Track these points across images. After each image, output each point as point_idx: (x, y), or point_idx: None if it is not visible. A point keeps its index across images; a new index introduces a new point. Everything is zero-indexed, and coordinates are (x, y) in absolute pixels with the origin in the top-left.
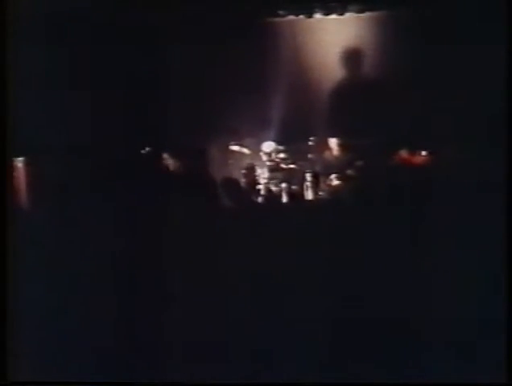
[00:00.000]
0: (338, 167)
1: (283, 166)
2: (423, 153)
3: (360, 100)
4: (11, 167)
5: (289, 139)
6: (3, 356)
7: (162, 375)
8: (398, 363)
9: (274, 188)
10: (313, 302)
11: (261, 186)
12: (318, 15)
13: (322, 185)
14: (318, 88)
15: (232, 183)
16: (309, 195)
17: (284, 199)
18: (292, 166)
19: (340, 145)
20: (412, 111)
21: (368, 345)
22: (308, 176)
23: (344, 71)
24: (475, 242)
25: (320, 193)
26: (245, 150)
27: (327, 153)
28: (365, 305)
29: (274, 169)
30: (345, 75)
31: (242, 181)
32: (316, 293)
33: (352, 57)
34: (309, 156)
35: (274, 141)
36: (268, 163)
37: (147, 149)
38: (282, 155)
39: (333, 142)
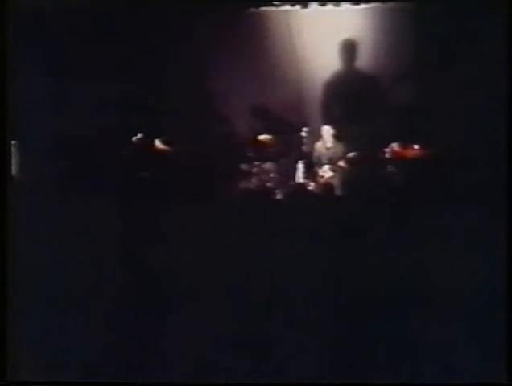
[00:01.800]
0: (332, 158)
1: (276, 156)
2: (419, 146)
3: (356, 91)
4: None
5: (283, 130)
6: (2, 356)
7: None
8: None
9: (267, 179)
10: (312, 298)
11: (256, 178)
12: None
13: (316, 176)
14: (313, 80)
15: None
16: (303, 186)
17: (276, 191)
18: (285, 156)
19: (336, 136)
20: (409, 103)
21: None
22: (302, 167)
23: (340, 62)
24: (475, 241)
25: (314, 184)
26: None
27: (320, 144)
28: (364, 299)
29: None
30: (342, 67)
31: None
32: (314, 286)
33: (348, 48)
34: (303, 147)
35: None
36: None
37: (142, 139)
38: (276, 146)
39: (328, 133)
